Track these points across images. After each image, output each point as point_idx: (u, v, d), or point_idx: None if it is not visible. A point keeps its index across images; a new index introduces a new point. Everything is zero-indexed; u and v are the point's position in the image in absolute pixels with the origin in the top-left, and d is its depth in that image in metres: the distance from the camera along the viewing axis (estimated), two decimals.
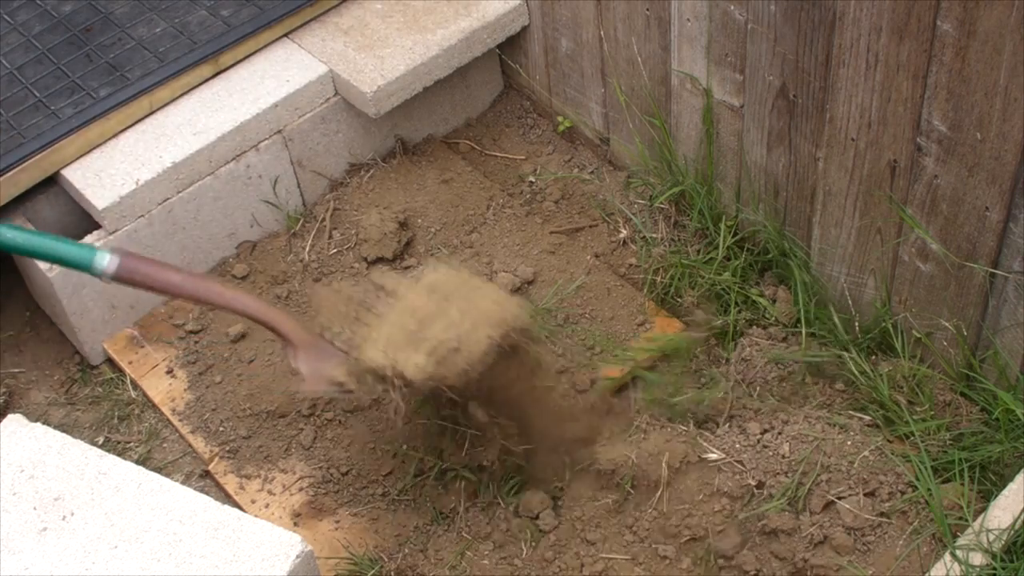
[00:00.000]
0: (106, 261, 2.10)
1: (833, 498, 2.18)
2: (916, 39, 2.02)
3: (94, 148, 2.70)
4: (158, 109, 2.77)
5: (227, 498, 2.47)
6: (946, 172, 2.12)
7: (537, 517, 2.33)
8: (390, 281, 2.29)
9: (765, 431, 2.31)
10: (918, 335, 2.37)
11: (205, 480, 2.53)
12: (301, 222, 2.91)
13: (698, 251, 2.69)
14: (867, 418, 2.31)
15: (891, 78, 2.11)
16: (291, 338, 2.23)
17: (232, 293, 2.26)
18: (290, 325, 2.24)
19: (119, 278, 2.12)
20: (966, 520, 2.07)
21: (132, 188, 2.62)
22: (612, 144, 2.98)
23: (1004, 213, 2.06)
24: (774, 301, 2.58)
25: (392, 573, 2.28)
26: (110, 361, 2.78)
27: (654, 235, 2.76)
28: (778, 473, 2.23)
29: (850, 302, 2.49)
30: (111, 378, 2.74)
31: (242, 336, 2.71)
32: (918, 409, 2.29)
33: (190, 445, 2.58)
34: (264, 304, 2.26)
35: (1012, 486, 2.04)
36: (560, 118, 3.09)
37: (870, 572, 2.11)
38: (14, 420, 2.25)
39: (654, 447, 2.30)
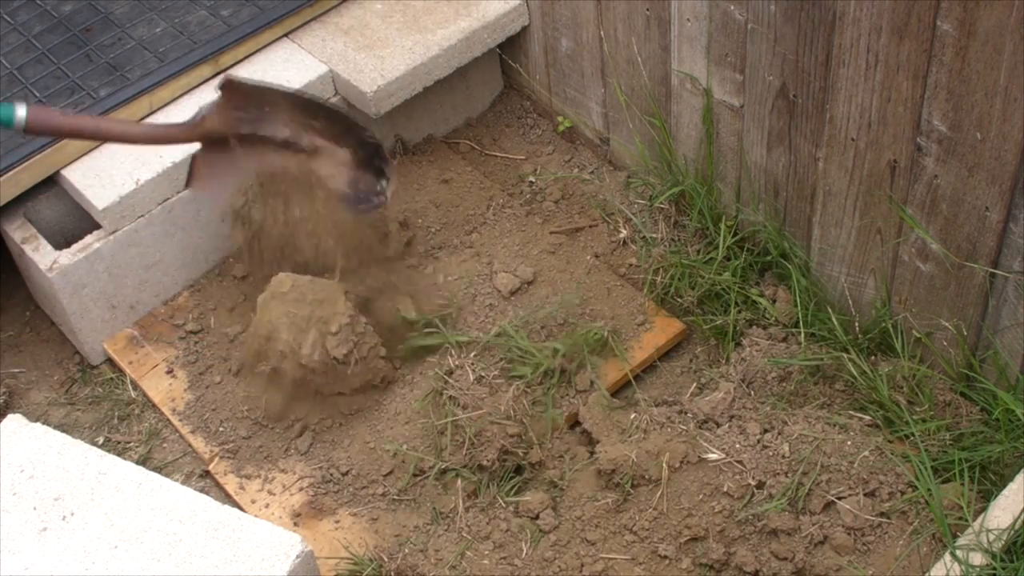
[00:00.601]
0: (19, 114, 2.21)
1: (833, 498, 2.18)
2: (916, 39, 2.02)
3: (94, 148, 2.70)
4: (158, 109, 2.77)
5: (227, 498, 2.47)
6: (946, 172, 2.12)
7: (537, 517, 2.33)
8: None
9: (765, 431, 2.31)
10: (918, 335, 2.37)
11: (205, 480, 2.53)
12: None
13: (698, 251, 2.69)
14: (867, 418, 2.31)
15: (891, 78, 2.11)
16: (190, 140, 2.45)
17: (141, 129, 2.46)
18: (189, 133, 2.44)
19: (33, 129, 2.25)
20: (966, 520, 2.07)
21: (132, 188, 2.62)
22: (612, 144, 2.98)
23: (1004, 213, 2.06)
24: (774, 301, 2.58)
25: (392, 573, 2.28)
26: (110, 361, 2.78)
27: (654, 235, 2.76)
28: (778, 473, 2.23)
29: (850, 302, 2.49)
30: (111, 378, 2.74)
31: (240, 335, 2.71)
32: (918, 409, 2.29)
33: (190, 445, 2.58)
34: (170, 128, 2.46)
35: (1012, 486, 2.04)
36: (560, 118, 3.09)
37: (870, 572, 2.11)
38: (14, 420, 2.25)
39: (654, 447, 2.30)
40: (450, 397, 2.45)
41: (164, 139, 2.46)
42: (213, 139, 2.45)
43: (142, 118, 2.74)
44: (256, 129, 2.52)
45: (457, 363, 2.49)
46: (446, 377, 2.46)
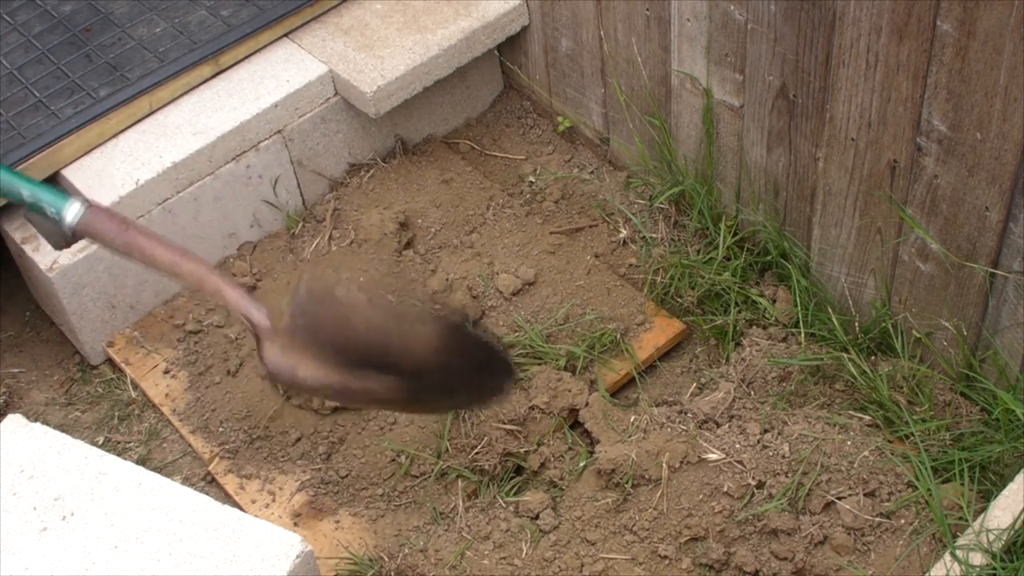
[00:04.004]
0: (71, 211, 1.93)
1: (833, 498, 2.18)
2: (916, 39, 2.02)
3: (94, 148, 2.70)
4: (158, 109, 2.77)
5: (227, 498, 2.47)
6: (946, 172, 2.12)
7: (537, 517, 2.33)
8: None
9: (765, 431, 2.31)
10: (918, 335, 2.37)
11: (205, 480, 2.53)
12: (301, 222, 2.91)
13: (698, 251, 2.69)
14: (867, 418, 2.31)
15: (891, 78, 2.11)
16: (259, 326, 2.00)
17: (203, 273, 2.00)
18: (254, 314, 2.01)
19: (85, 233, 1.95)
20: (966, 520, 2.07)
21: (132, 188, 2.62)
22: (612, 144, 2.98)
23: (1004, 213, 2.06)
24: (774, 301, 2.58)
25: (392, 573, 2.28)
26: (110, 361, 2.78)
27: (654, 235, 2.76)
28: (778, 473, 2.23)
29: (850, 302, 2.49)
30: (111, 378, 2.74)
31: (241, 336, 2.71)
32: (918, 409, 2.29)
33: (190, 445, 2.58)
34: (238, 289, 2.03)
35: (1012, 486, 2.04)
36: (560, 118, 3.09)
37: (870, 572, 2.11)
38: (14, 420, 2.25)
39: (654, 447, 2.30)
40: None
41: (214, 291, 2.03)
42: (279, 336, 2.04)
43: (142, 118, 2.75)
44: (330, 334, 2.09)
45: None
46: None
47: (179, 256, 1.98)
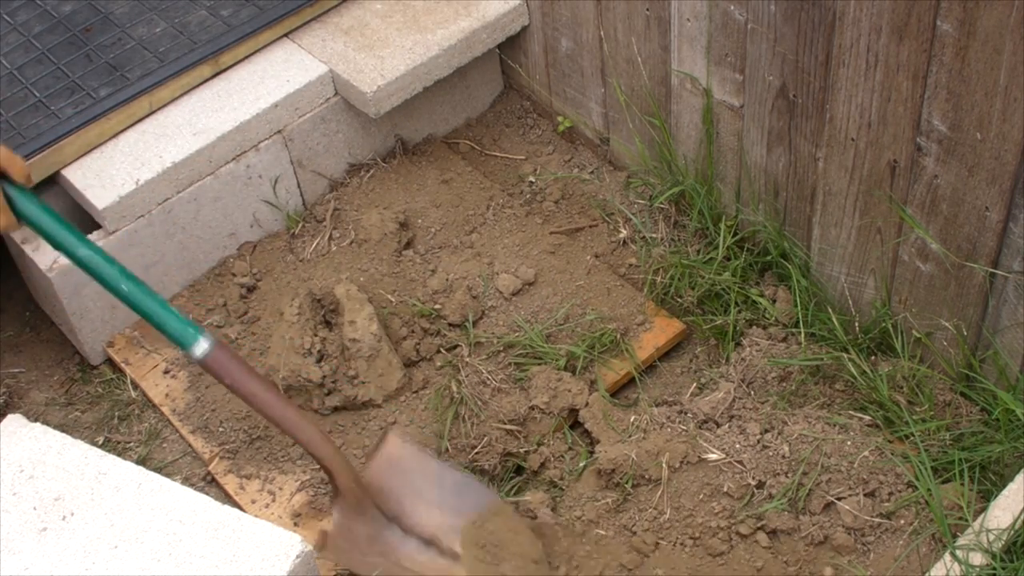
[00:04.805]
0: (199, 346, 2.07)
1: (833, 498, 2.18)
2: (916, 39, 2.02)
3: (94, 148, 2.70)
4: (158, 109, 2.77)
5: (227, 498, 2.46)
6: (946, 172, 2.12)
7: (537, 517, 2.33)
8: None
9: (765, 431, 2.31)
10: (918, 335, 2.37)
11: (205, 480, 2.53)
12: (301, 222, 2.91)
13: (698, 251, 2.69)
14: (867, 418, 2.31)
15: (891, 78, 2.11)
16: (341, 490, 2.15)
17: (303, 426, 2.13)
18: (346, 478, 2.15)
19: (205, 366, 2.09)
20: (966, 520, 2.07)
21: (132, 188, 2.62)
22: (612, 144, 2.98)
23: (1004, 213, 2.06)
24: (774, 301, 2.58)
25: None
26: (110, 361, 2.78)
27: (654, 235, 2.76)
28: (778, 473, 2.23)
29: (850, 302, 2.49)
30: (111, 378, 2.74)
31: (240, 336, 2.71)
32: (918, 409, 2.29)
33: (190, 445, 2.58)
34: (331, 446, 2.16)
35: (1012, 486, 2.04)
36: (560, 118, 3.09)
37: (870, 572, 2.11)
38: (14, 420, 2.25)
39: (654, 447, 2.30)
40: (458, 398, 2.45)
41: (325, 457, 2.15)
42: (355, 502, 2.18)
43: (142, 118, 2.75)
44: (403, 509, 2.24)
45: (468, 363, 2.50)
46: (456, 378, 2.47)
47: (289, 410, 2.13)
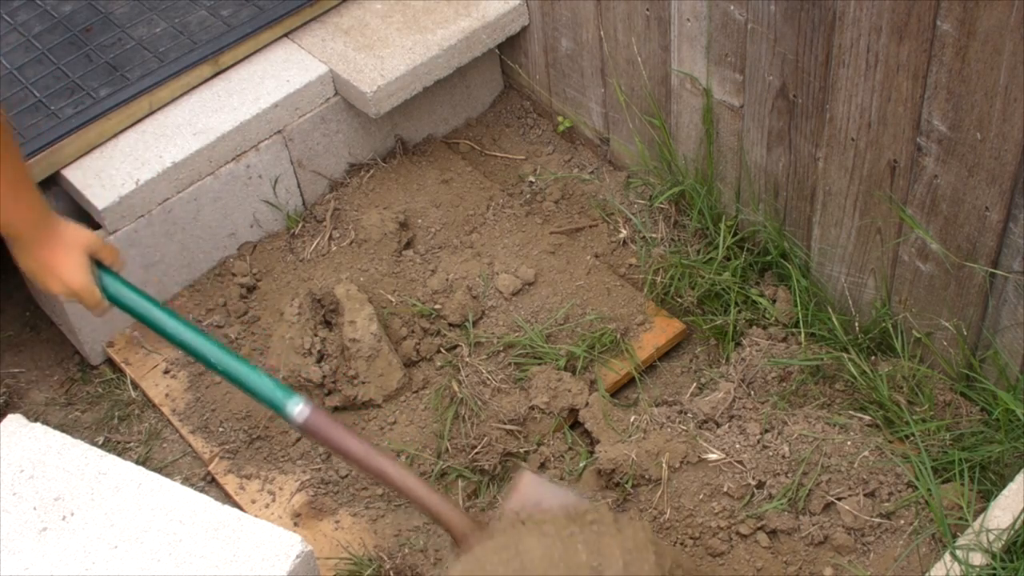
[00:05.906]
0: (297, 409, 2.02)
1: (833, 498, 2.18)
2: (916, 39, 2.02)
3: (94, 148, 2.70)
4: (158, 109, 2.77)
5: (227, 498, 2.47)
6: (946, 172, 2.12)
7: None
8: None
9: (765, 431, 2.31)
10: (918, 335, 2.37)
11: (205, 480, 2.53)
12: (301, 222, 2.91)
13: (698, 251, 2.69)
14: (867, 418, 2.31)
15: (891, 78, 2.11)
16: (457, 534, 2.04)
17: (404, 476, 2.07)
18: (457, 520, 2.04)
19: (306, 429, 2.04)
20: (966, 520, 2.07)
21: (132, 188, 2.62)
22: (612, 144, 2.98)
23: (1004, 213, 2.06)
24: (774, 301, 2.58)
25: (392, 573, 2.29)
26: (110, 361, 2.78)
27: (654, 235, 2.76)
28: (778, 473, 2.23)
29: (850, 302, 2.49)
30: (111, 378, 2.74)
31: (240, 336, 2.71)
32: (918, 409, 2.29)
33: (190, 445, 2.58)
34: (434, 493, 2.07)
35: (1012, 486, 2.04)
36: (560, 118, 3.09)
37: (870, 572, 2.11)
38: (14, 420, 2.25)
39: (654, 447, 2.30)
40: (458, 398, 2.45)
41: (418, 499, 2.06)
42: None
43: (142, 118, 2.75)
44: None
45: (468, 363, 2.50)
46: (456, 378, 2.47)
47: (388, 463, 2.06)
